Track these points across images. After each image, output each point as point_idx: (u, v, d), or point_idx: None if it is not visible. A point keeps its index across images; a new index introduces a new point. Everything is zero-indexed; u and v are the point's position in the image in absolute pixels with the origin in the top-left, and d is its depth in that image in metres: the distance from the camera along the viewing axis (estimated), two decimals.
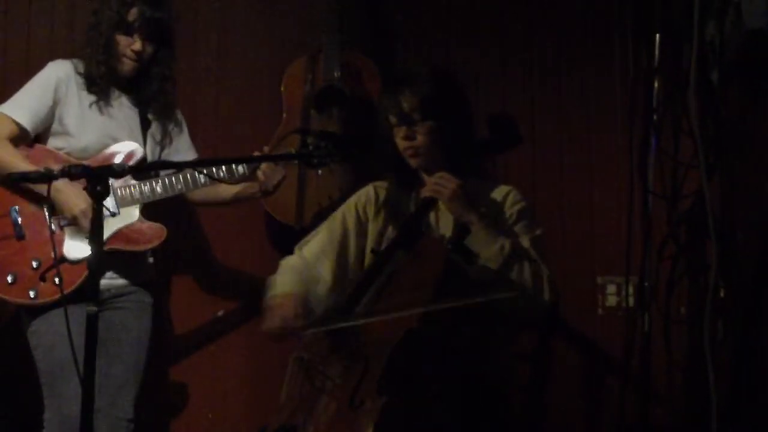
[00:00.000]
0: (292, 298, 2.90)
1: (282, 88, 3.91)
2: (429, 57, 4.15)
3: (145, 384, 3.40)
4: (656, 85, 3.19)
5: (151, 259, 3.45)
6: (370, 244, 3.01)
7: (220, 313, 3.99)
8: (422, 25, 4.20)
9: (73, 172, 2.46)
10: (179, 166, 3.38)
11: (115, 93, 3.38)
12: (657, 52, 3.20)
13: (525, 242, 2.83)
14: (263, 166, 3.25)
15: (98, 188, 2.40)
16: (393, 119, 2.92)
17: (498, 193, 2.97)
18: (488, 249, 2.73)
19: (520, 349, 3.14)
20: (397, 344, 2.55)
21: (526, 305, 2.73)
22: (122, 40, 3.29)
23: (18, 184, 3.20)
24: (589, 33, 4.13)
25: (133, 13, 3.27)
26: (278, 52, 4.06)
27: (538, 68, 4.15)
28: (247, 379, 3.97)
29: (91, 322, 2.35)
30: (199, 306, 3.99)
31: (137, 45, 3.28)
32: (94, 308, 2.36)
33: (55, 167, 2.54)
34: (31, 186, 3.16)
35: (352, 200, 3.12)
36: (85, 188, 2.42)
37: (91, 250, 2.42)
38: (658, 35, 3.19)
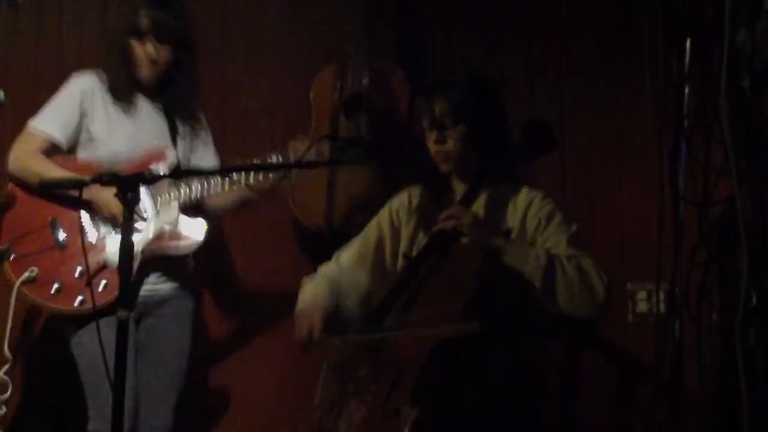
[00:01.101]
0: (316, 310, 2.90)
1: (311, 96, 3.92)
2: (458, 63, 4.15)
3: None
4: (687, 91, 3.16)
5: (192, 263, 3.47)
6: (402, 248, 3.01)
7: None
8: (451, 31, 4.21)
9: (104, 179, 2.50)
10: (214, 174, 3.40)
11: (141, 100, 3.40)
12: (687, 58, 3.17)
13: (562, 243, 2.81)
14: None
15: (129, 195, 2.43)
16: (425, 123, 2.92)
17: (522, 200, 2.95)
18: (526, 264, 2.71)
19: (551, 357, 3.13)
20: (430, 353, 2.55)
21: (581, 307, 2.72)
22: (137, 45, 3.31)
23: (57, 194, 3.25)
24: (618, 39, 4.13)
25: (142, 18, 3.29)
26: (307, 61, 4.09)
27: (567, 73, 4.16)
28: (280, 385, 3.98)
29: (122, 328, 2.38)
30: (230, 316, 3.99)
31: (151, 50, 3.30)
32: (124, 313, 2.38)
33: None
34: (70, 194, 3.20)
35: (386, 207, 3.13)
36: (116, 195, 2.45)
37: (121, 255, 2.43)
38: (688, 41, 3.17)
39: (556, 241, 2.83)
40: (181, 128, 3.47)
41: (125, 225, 2.44)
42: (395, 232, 3.07)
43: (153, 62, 3.33)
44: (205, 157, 3.53)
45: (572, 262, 2.74)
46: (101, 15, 4.05)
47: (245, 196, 3.44)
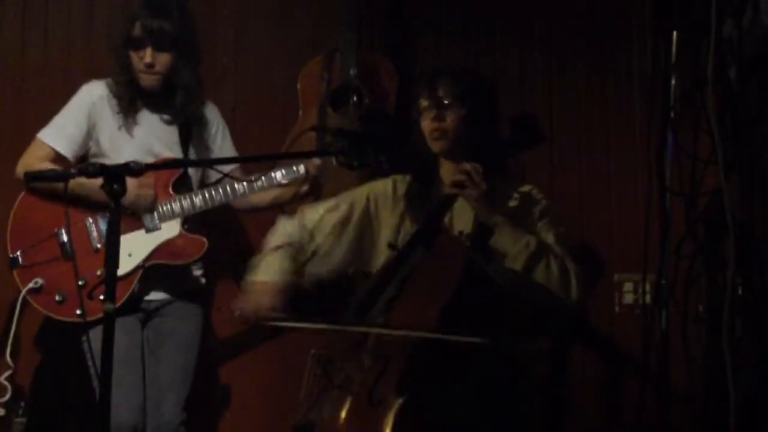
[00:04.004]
0: (272, 287, 2.93)
1: (298, 87, 3.91)
2: (447, 56, 4.15)
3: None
4: (674, 82, 3.17)
5: (199, 271, 3.51)
6: (385, 237, 3.02)
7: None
8: (440, 24, 4.19)
9: (90, 170, 2.47)
10: (200, 165, 3.44)
11: (146, 112, 3.43)
12: (675, 49, 3.18)
13: (550, 239, 2.84)
14: (311, 164, 3.30)
15: (115, 187, 2.41)
16: (424, 103, 2.96)
17: (520, 193, 2.99)
18: (514, 247, 2.75)
19: (539, 348, 3.13)
20: (416, 343, 2.55)
21: (553, 304, 2.75)
22: (134, 56, 3.34)
23: (65, 203, 3.20)
24: (607, 31, 4.12)
25: (137, 28, 3.31)
26: (295, 51, 4.06)
27: (556, 67, 4.15)
28: (268, 378, 3.98)
29: (108, 320, 2.36)
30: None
31: (147, 58, 3.31)
32: (111, 306, 2.37)
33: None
34: (91, 196, 3.22)
35: (366, 187, 3.15)
36: (102, 186, 2.43)
37: (108, 249, 2.42)
38: (675, 33, 3.17)
39: (545, 235, 2.86)
40: (194, 136, 3.48)
41: (112, 217, 2.42)
42: (366, 218, 3.08)
43: (151, 70, 3.33)
44: (223, 156, 3.55)
45: (558, 258, 2.78)
46: (87, 5, 4.02)
47: (279, 197, 3.47)
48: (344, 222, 3.07)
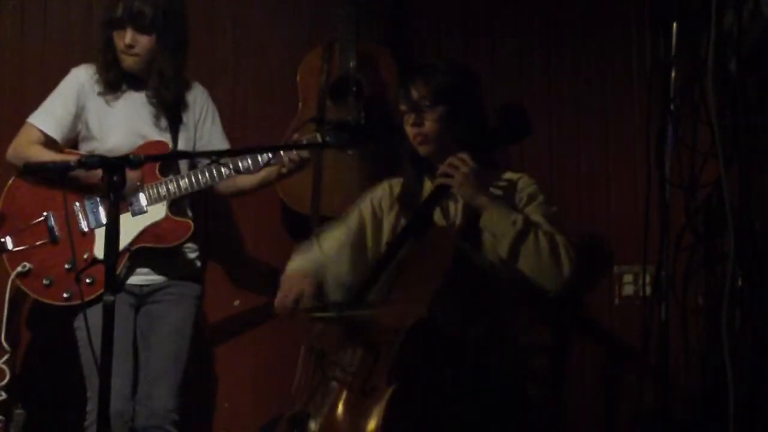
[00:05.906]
0: (307, 275, 2.90)
1: (298, 79, 3.90)
2: (445, 48, 4.15)
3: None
4: (674, 74, 3.17)
5: (193, 254, 3.51)
6: (385, 238, 3.02)
7: (236, 303, 4.00)
8: (438, 16, 4.19)
9: (89, 162, 2.49)
10: (197, 156, 3.43)
11: (132, 93, 3.43)
12: (674, 41, 3.18)
13: (538, 218, 2.83)
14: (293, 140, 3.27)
15: (114, 178, 2.42)
16: (403, 107, 2.94)
17: (508, 179, 2.98)
18: (500, 226, 2.75)
19: (538, 339, 3.14)
20: (408, 332, 2.56)
21: (545, 278, 2.74)
22: (116, 36, 3.35)
23: (64, 193, 3.28)
24: (606, 23, 4.12)
25: (119, 8, 3.32)
26: (294, 43, 4.06)
27: (555, 58, 4.14)
28: (261, 369, 3.98)
29: (108, 311, 2.37)
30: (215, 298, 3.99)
31: (128, 38, 3.32)
32: (111, 298, 2.38)
33: None
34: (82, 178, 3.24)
35: (367, 195, 3.14)
36: (101, 179, 2.44)
37: (106, 241, 2.43)
38: (675, 24, 3.17)
39: (533, 216, 2.85)
40: (183, 118, 3.48)
41: (111, 209, 2.43)
42: (377, 223, 3.08)
43: (130, 51, 3.34)
44: (213, 143, 3.54)
45: (547, 234, 2.76)
46: (87, 4, 4.02)
47: (267, 178, 3.44)
48: (361, 243, 3.06)
